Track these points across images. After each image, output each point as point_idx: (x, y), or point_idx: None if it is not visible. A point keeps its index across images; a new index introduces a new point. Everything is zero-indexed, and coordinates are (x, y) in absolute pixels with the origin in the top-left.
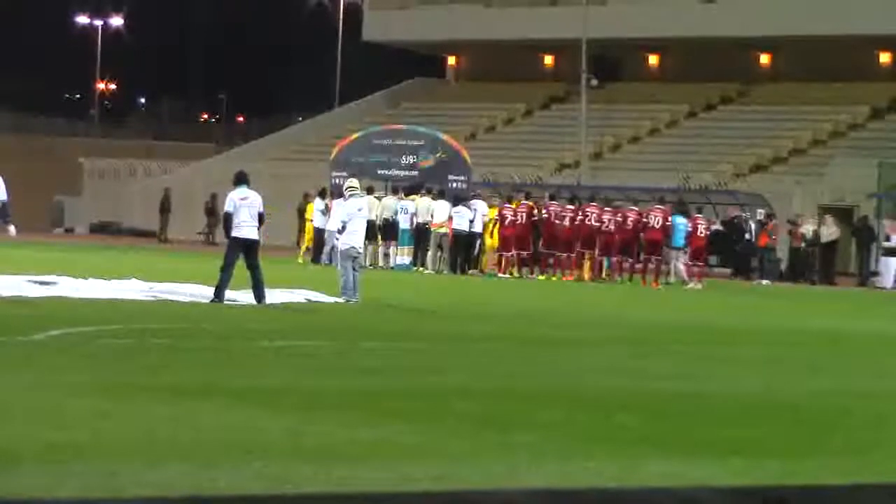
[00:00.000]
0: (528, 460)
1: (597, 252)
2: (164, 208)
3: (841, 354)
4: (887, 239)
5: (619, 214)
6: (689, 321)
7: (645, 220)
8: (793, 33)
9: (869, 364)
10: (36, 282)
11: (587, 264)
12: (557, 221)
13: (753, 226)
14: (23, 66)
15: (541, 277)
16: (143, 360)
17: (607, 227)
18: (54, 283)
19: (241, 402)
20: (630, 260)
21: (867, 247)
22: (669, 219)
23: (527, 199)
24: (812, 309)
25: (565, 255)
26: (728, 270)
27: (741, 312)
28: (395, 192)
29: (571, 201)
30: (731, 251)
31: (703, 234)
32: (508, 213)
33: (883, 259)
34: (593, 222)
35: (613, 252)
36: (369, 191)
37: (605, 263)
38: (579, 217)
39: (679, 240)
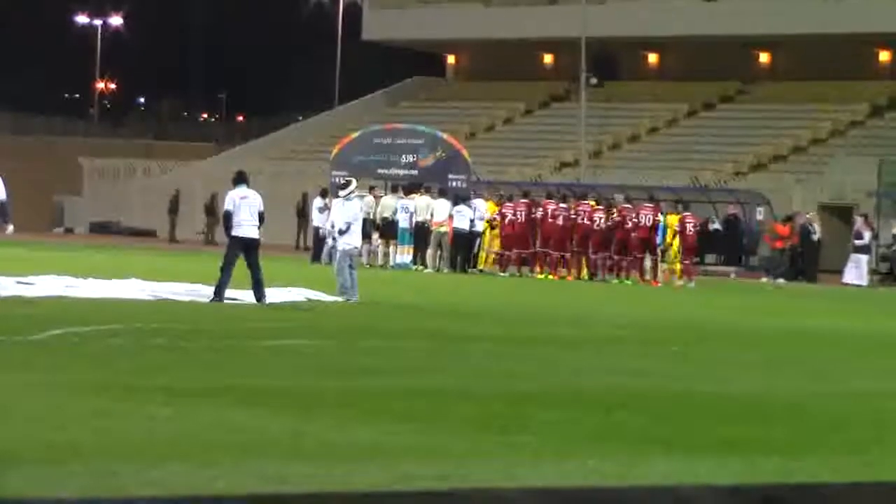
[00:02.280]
0: (528, 460)
1: (590, 250)
2: (173, 209)
3: (840, 353)
4: (859, 236)
5: (611, 213)
6: (688, 321)
7: (635, 219)
8: (792, 32)
9: (868, 363)
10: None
11: (574, 262)
12: (552, 220)
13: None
14: (22, 66)
15: (540, 276)
16: (143, 360)
17: (599, 225)
18: (32, 283)
19: (241, 402)
20: (627, 258)
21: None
22: (660, 216)
23: (525, 197)
24: (810, 308)
25: (559, 253)
26: (731, 269)
27: (741, 312)
28: (394, 190)
29: (564, 199)
30: (732, 249)
31: (691, 233)
32: (508, 212)
33: (853, 256)
34: (585, 221)
35: (606, 250)
36: (369, 189)
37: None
38: (573, 215)
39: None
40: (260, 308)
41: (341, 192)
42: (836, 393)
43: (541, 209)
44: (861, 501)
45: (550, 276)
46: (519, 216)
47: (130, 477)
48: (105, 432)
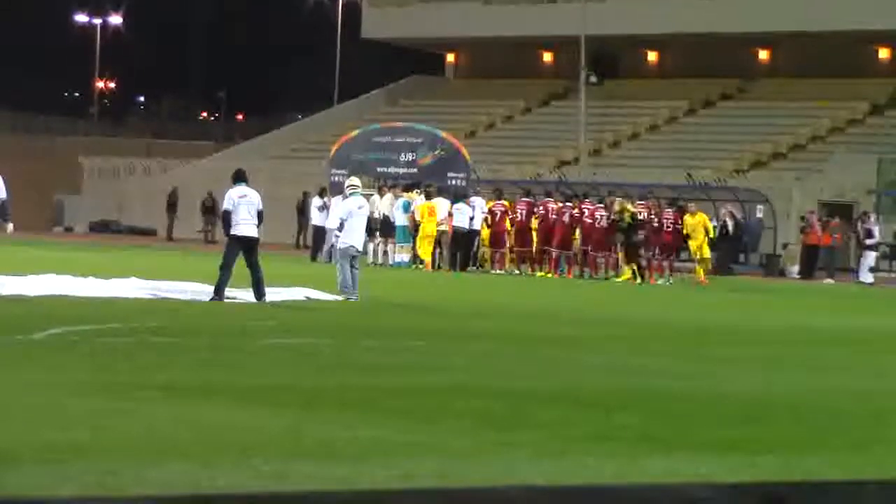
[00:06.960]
0: (528, 458)
1: (590, 248)
2: (171, 207)
3: (840, 351)
4: (870, 234)
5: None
6: (688, 319)
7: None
8: (792, 29)
9: (868, 361)
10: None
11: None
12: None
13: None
14: (22, 65)
15: (539, 274)
16: (143, 359)
17: (600, 223)
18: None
19: (241, 401)
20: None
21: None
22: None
23: (527, 196)
24: (809, 305)
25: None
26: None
27: (740, 310)
28: (388, 188)
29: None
30: (729, 247)
31: (668, 229)
32: (499, 210)
33: (867, 253)
34: (585, 219)
35: (605, 248)
36: (378, 189)
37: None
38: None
39: None
40: (260, 307)
41: (345, 189)
42: (836, 390)
43: (541, 208)
44: (864, 499)
45: (550, 275)
46: (519, 214)
47: (130, 476)
48: (105, 431)
